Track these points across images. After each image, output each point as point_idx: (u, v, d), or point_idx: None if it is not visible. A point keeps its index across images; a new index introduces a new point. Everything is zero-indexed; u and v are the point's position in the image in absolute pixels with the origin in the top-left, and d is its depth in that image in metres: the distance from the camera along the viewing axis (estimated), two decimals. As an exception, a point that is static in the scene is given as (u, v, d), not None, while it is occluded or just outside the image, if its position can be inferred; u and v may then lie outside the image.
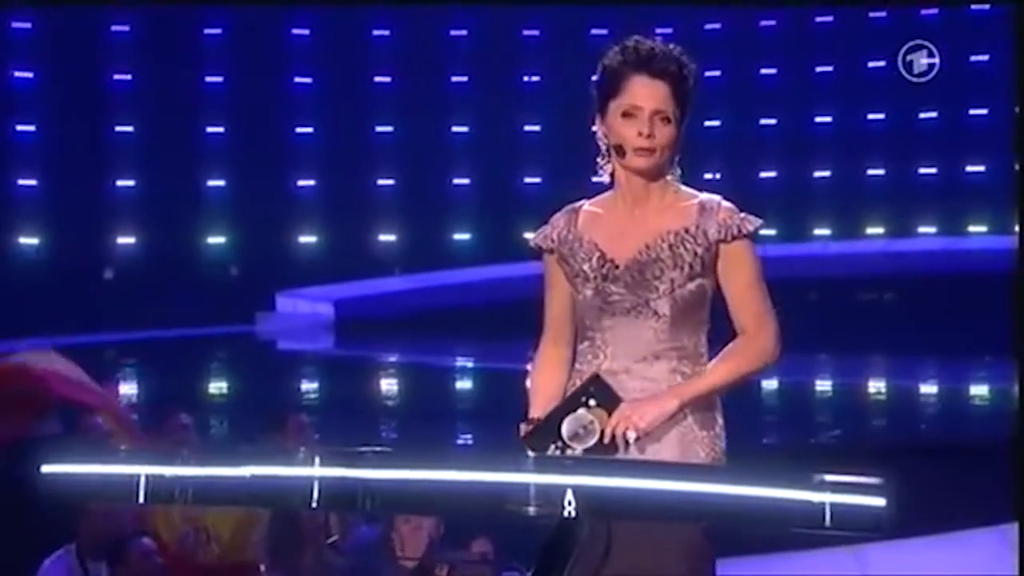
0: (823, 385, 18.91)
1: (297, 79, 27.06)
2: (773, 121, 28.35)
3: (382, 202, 27.26)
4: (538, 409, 3.79)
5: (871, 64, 27.58)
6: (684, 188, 3.83)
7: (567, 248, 3.82)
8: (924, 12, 26.26)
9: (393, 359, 22.60)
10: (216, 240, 26.55)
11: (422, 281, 25.48)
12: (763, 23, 28.23)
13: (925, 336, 21.20)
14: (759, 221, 3.77)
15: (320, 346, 23.93)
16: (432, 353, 22.31)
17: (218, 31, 26.54)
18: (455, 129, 27.55)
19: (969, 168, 27.57)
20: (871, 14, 27.58)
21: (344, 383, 19.58)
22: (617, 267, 3.76)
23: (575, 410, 3.65)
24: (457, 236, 27.55)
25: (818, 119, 28.37)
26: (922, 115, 27.51)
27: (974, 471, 9.96)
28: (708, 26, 25.90)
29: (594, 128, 3.79)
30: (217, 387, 19.77)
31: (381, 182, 27.40)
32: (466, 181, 27.59)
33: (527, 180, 27.29)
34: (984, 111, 27.17)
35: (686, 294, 3.74)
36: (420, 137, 27.01)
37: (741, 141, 26.64)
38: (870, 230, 27.89)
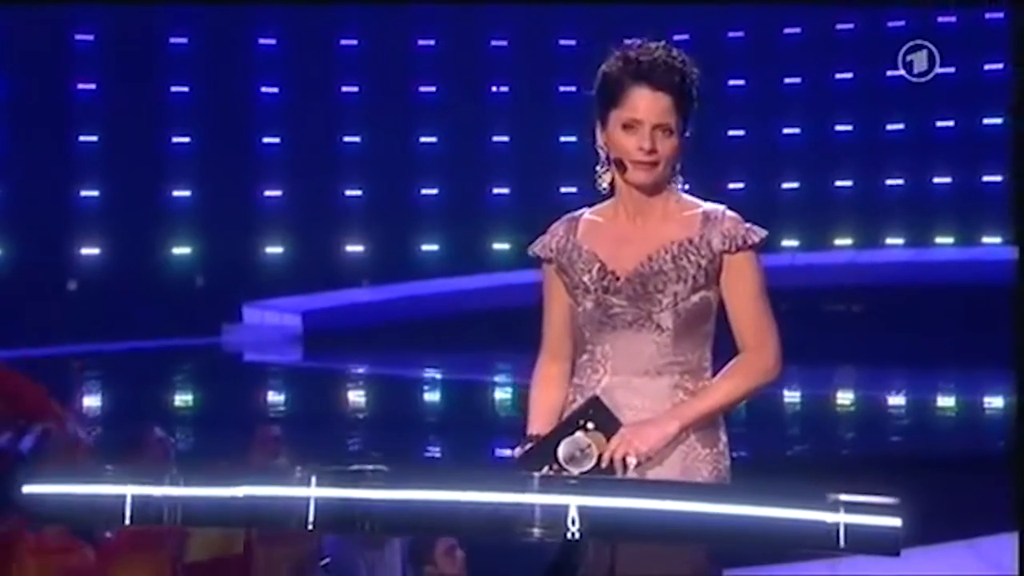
0: (791, 397, 18.91)
1: (264, 88, 26.94)
2: (741, 132, 28.41)
3: (350, 213, 27.17)
4: (536, 427, 3.71)
5: (840, 76, 27.70)
6: (687, 197, 3.75)
7: (566, 258, 3.73)
8: (892, 24, 26.36)
9: (361, 370, 22.50)
10: (182, 251, 26.38)
11: (390, 292, 25.40)
12: (731, 34, 28.29)
13: (894, 347, 21.24)
14: (764, 232, 3.68)
15: (288, 358, 23.81)
16: (400, 364, 22.22)
17: (184, 40, 26.39)
18: (423, 139, 27.49)
19: (936, 179, 27.71)
20: (838, 25, 27.69)
21: (312, 395, 19.47)
22: (618, 279, 3.66)
23: (572, 433, 3.56)
24: (425, 247, 27.47)
25: (786, 131, 28.46)
26: (890, 127, 27.62)
27: (953, 483, 9.94)
28: (676, 37, 25.90)
29: (596, 139, 3.70)
30: (183, 400, 19.62)
31: (349, 192, 27.30)
32: (434, 192, 27.52)
33: (495, 191, 27.24)
34: (951, 123, 27.31)
35: (690, 307, 3.64)
36: (388, 147, 26.94)
37: (709, 152, 26.64)
38: (838, 241, 27.98)
